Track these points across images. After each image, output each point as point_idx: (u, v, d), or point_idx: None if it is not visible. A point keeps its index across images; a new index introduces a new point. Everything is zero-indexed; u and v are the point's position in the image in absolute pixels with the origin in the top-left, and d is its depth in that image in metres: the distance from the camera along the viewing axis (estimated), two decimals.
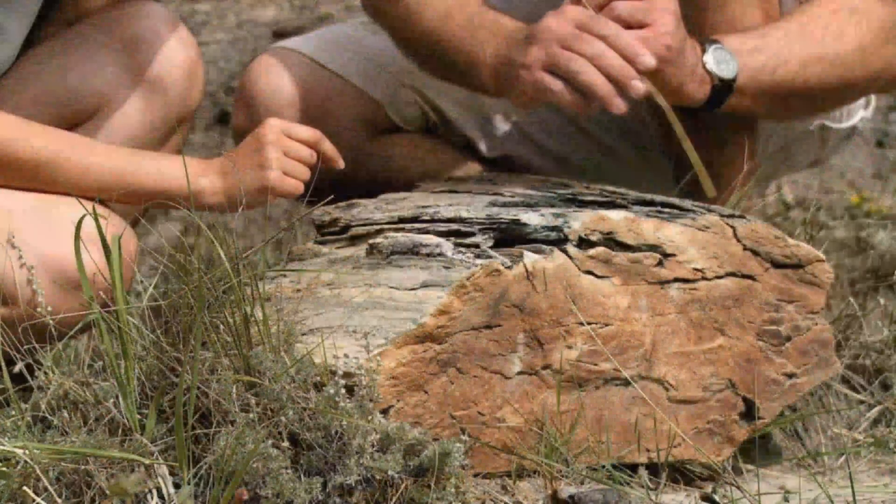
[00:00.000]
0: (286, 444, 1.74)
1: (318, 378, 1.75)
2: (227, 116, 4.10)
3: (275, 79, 2.57)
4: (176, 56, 2.25)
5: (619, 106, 2.09)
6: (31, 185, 2.07)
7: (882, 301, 2.51)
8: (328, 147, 2.22)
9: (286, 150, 2.16)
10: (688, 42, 2.18)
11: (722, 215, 2.07)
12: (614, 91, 2.08)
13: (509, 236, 1.95)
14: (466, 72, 2.29)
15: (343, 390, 1.72)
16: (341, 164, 2.23)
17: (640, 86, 2.09)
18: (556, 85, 2.09)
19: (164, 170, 2.10)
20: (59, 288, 1.98)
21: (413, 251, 1.94)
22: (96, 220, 1.85)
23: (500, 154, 2.66)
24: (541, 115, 2.65)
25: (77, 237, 1.87)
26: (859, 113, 2.67)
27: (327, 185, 2.15)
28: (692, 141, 2.17)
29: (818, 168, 3.46)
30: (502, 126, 2.65)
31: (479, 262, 1.88)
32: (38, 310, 1.94)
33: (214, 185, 2.12)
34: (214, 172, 2.13)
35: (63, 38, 2.25)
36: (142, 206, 2.17)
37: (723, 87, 2.23)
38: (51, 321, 1.92)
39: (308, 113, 2.54)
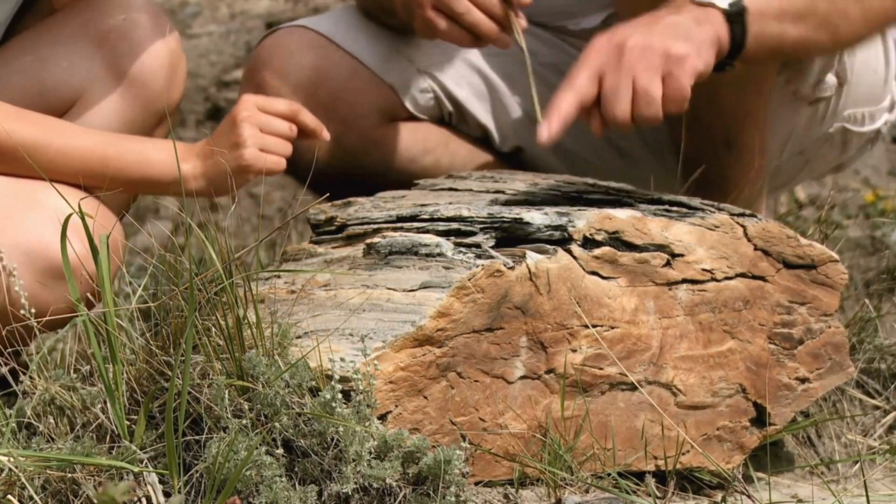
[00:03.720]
0: (280, 451, 1.73)
1: (314, 383, 1.74)
2: (220, 112, 4.09)
3: (285, 61, 2.53)
4: (156, 48, 2.21)
5: (504, 41, 2.29)
6: (12, 169, 2.04)
7: None
8: (308, 119, 2.19)
9: (261, 125, 2.14)
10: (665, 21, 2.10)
11: (732, 214, 2.05)
12: (497, 28, 2.29)
13: (511, 236, 1.93)
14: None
15: (339, 395, 1.71)
16: (326, 135, 2.22)
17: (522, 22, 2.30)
18: (442, 24, 2.30)
19: (147, 154, 2.09)
20: (40, 276, 1.95)
21: (412, 251, 1.92)
22: (82, 216, 1.83)
23: (513, 146, 2.64)
24: None
25: (63, 235, 1.84)
26: (883, 116, 2.63)
27: (336, 173, 2.13)
28: (699, 140, 2.11)
29: None
30: (518, 117, 2.63)
31: (480, 262, 1.86)
32: (20, 304, 1.90)
33: (196, 169, 2.12)
34: (195, 157, 2.12)
35: (37, 30, 2.22)
36: (126, 193, 2.14)
37: (735, 18, 2.12)
38: (35, 323, 1.89)
39: (320, 98, 2.51)
